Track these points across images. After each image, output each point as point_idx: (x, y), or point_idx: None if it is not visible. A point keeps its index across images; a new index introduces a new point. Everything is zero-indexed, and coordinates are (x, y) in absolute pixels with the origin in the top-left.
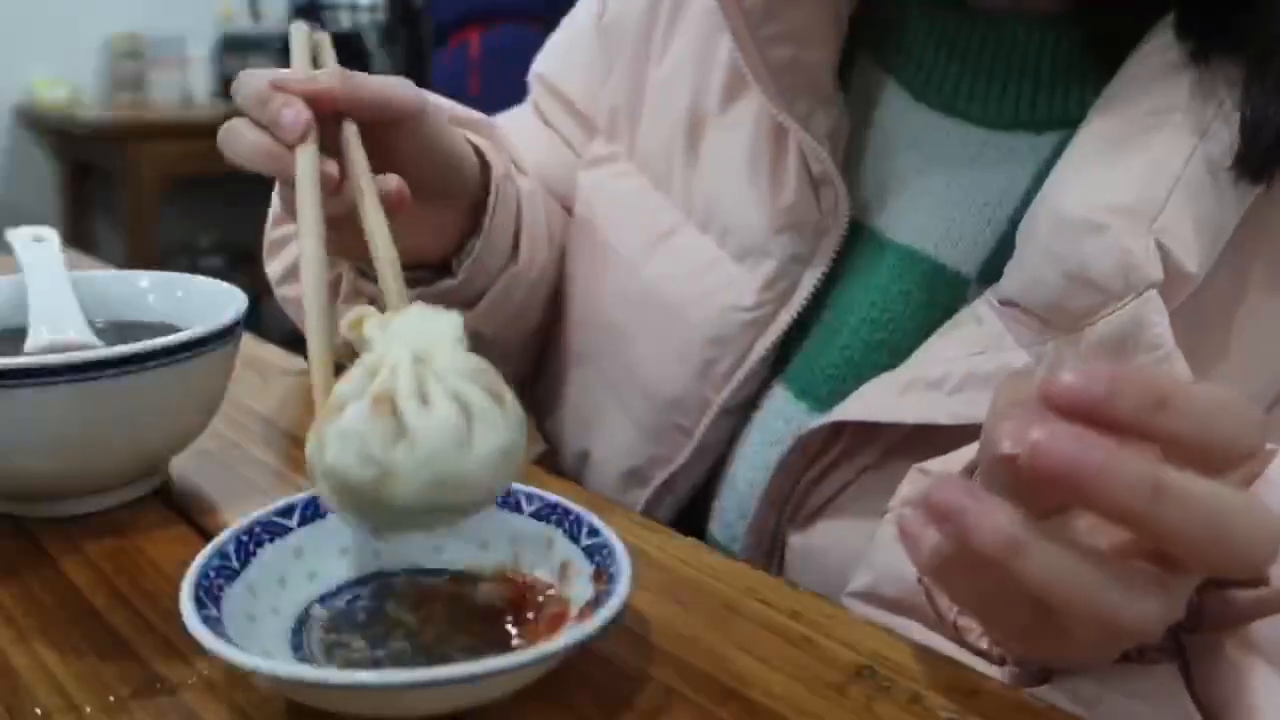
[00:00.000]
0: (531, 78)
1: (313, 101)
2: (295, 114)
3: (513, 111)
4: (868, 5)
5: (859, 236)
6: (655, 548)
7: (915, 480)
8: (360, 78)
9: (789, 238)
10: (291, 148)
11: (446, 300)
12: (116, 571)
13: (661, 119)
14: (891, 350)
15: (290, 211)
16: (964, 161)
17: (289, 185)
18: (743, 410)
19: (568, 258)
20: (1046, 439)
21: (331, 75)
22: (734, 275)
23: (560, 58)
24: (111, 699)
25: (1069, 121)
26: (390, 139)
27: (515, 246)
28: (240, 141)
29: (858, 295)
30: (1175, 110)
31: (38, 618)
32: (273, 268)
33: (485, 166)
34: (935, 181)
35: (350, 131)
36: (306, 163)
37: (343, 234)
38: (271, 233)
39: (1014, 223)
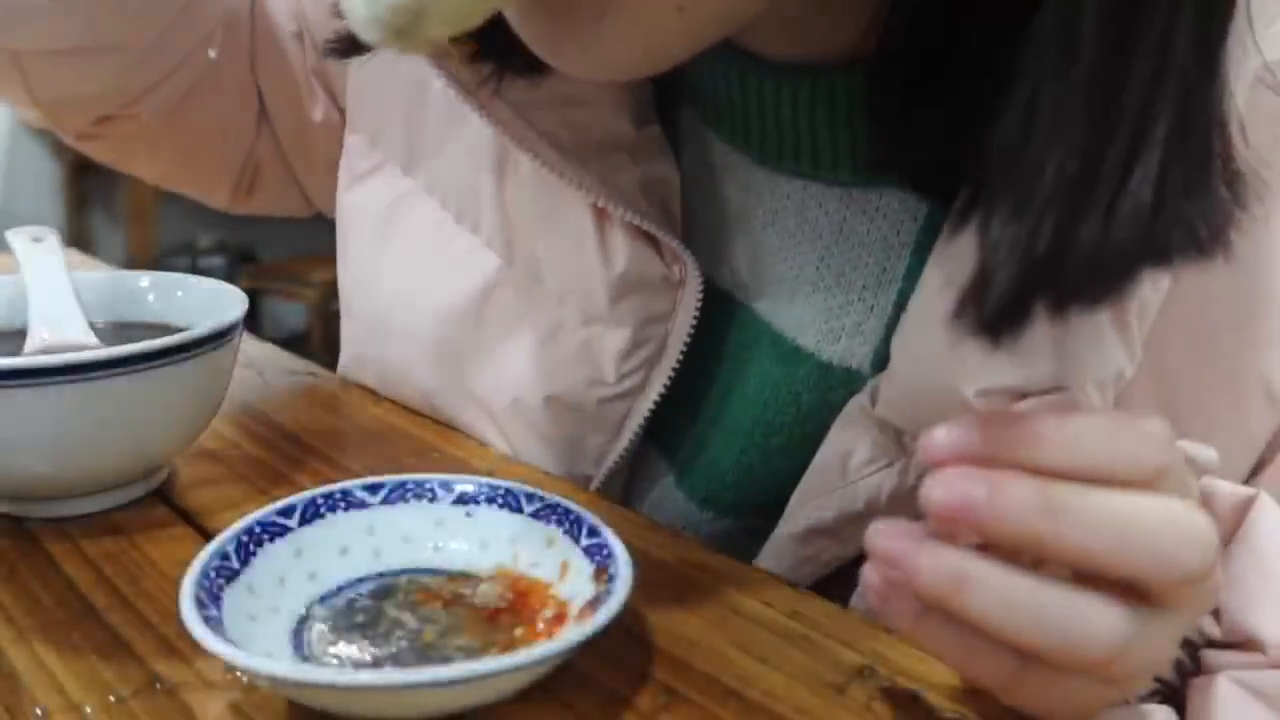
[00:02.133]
0: None
1: None
2: None
3: None
4: None
5: (735, 314)
6: (655, 547)
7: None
8: None
9: (637, 300)
10: None
11: None
12: (116, 571)
13: (461, 147)
14: (791, 454)
15: None
16: (832, 232)
17: None
18: (623, 487)
19: (350, 280)
20: (932, 482)
21: None
22: (585, 341)
23: None
24: (111, 699)
25: None
26: None
27: None
28: None
29: (744, 389)
30: None
31: (38, 618)
32: None
33: None
34: (805, 264)
35: None
36: None
37: None
38: None
39: (898, 306)
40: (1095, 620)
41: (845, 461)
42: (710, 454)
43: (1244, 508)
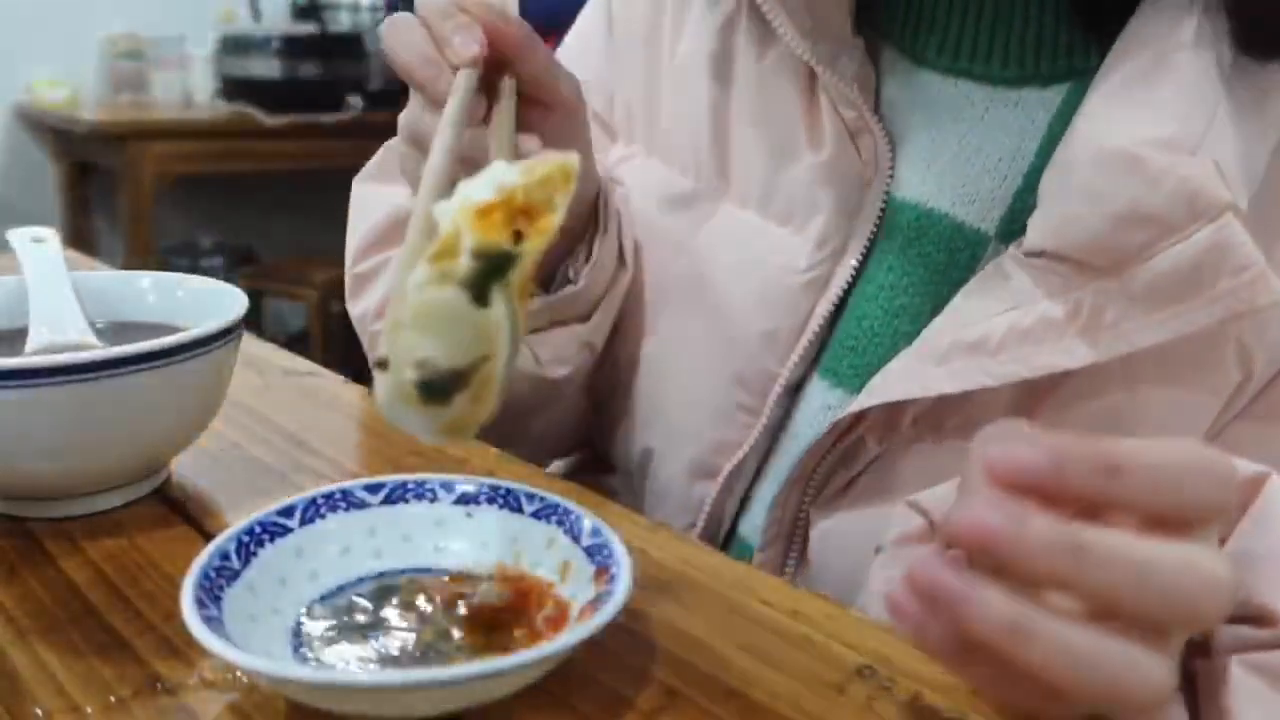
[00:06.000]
0: None
1: (491, 38)
2: (472, 37)
3: None
4: None
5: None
6: (655, 548)
7: (908, 517)
8: (539, 43)
9: (833, 192)
10: (454, 69)
11: (562, 314)
12: (116, 571)
13: (684, 104)
14: (912, 315)
15: (414, 142)
16: (973, 120)
17: (427, 106)
18: (799, 389)
19: None
20: (962, 510)
21: (518, 24)
22: (783, 238)
23: (573, 65)
24: (112, 699)
25: (1076, 73)
26: (533, 119)
27: (621, 250)
28: (403, 35)
29: (875, 264)
30: (1201, 45)
31: (38, 618)
32: (362, 304)
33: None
34: (946, 141)
35: (508, 84)
36: (464, 82)
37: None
38: (357, 265)
39: (1029, 178)
40: (1148, 673)
41: (972, 311)
42: (839, 328)
43: (1256, 484)
